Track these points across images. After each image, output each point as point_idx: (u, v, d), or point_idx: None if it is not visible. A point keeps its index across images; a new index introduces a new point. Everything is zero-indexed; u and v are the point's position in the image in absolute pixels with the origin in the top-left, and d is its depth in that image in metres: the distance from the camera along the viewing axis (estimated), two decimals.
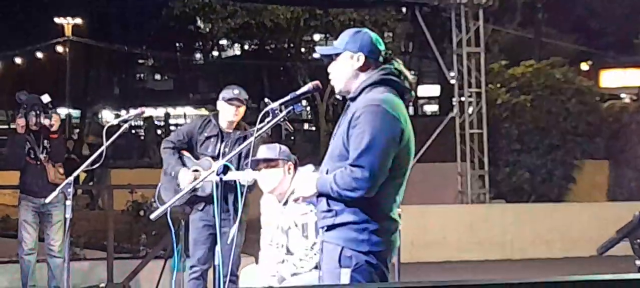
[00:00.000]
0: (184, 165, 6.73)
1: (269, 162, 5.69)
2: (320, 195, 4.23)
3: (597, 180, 16.64)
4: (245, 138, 6.57)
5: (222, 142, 6.70)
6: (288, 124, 4.54)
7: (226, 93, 6.81)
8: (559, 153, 15.52)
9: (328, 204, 4.21)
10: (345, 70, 4.29)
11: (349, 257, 4.14)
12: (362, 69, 4.28)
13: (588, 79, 17.76)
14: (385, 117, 4.09)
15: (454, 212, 13.60)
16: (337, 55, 4.31)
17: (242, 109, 6.79)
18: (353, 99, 4.29)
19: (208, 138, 6.74)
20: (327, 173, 4.23)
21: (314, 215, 4.79)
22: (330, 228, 4.21)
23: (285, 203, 5.68)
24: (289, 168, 5.70)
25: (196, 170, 6.61)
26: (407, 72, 4.37)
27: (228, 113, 6.75)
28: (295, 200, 4.67)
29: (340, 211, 4.17)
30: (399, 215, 4.37)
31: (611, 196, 16.65)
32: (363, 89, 4.24)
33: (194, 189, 5.77)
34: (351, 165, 4.08)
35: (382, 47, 4.35)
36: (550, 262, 12.41)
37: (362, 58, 4.27)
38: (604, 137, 16.13)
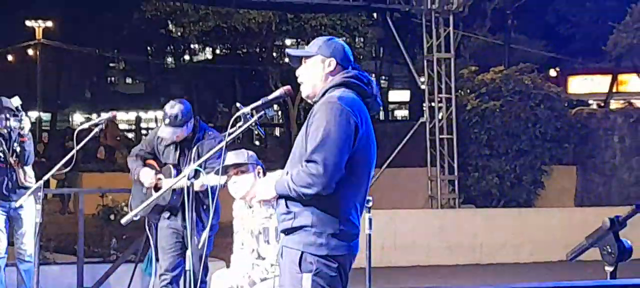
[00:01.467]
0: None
1: (239, 168, 5.70)
2: (279, 196, 4.19)
3: (565, 185, 16.81)
4: (199, 141, 6.53)
5: (179, 149, 6.65)
6: (259, 128, 4.56)
7: (165, 110, 6.58)
8: (527, 158, 15.66)
9: (287, 206, 4.15)
10: (315, 74, 4.29)
11: (309, 262, 4.09)
12: (332, 74, 4.28)
13: (556, 85, 17.93)
14: (340, 112, 4.05)
15: (424, 216, 13.67)
16: (308, 57, 4.32)
17: (180, 132, 6.53)
18: (317, 102, 4.26)
19: (167, 146, 6.70)
20: (287, 174, 4.19)
21: (275, 220, 4.82)
22: (289, 231, 4.16)
23: (251, 207, 5.71)
24: (259, 172, 5.72)
25: (159, 178, 6.59)
26: (373, 82, 4.38)
27: (164, 132, 6.56)
28: (258, 202, 4.67)
29: (298, 213, 4.11)
30: (370, 222, 4.36)
31: (579, 201, 16.82)
32: (325, 91, 4.24)
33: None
34: (306, 160, 4.04)
35: (352, 59, 4.38)
36: (519, 267, 12.51)
37: (333, 63, 4.28)
38: (572, 142, 16.29)
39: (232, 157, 5.64)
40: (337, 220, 4.12)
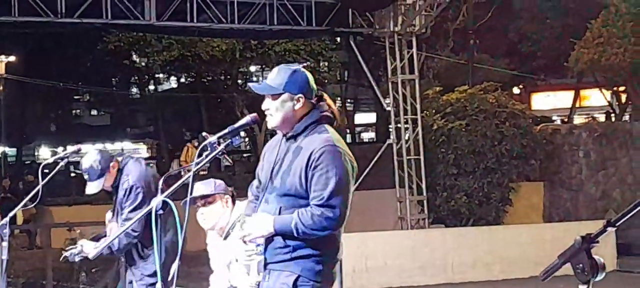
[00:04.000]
0: None
1: (206, 198, 5.66)
2: (276, 234, 4.27)
3: (533, 201, 16.94)
4: (119, 184, 6.32)
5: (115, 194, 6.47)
6: (227, 157, 4.54)
7: (80, 166, 6.38)
8: (495, 176, 15.75)
9: (284, 240, 4.26)
10: (284, 111, 4.33)
11: (304, 285, 4.24)
12: (301, 109, 4.34)
13: (520, 102, 18.08)
14: (344, 158, 4.25)
15: (395, 237, 13.70)
16: (277, 95, 4.34)
17: (105, 182, 6.30)
18: (294, 137, 4.35)
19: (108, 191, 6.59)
20: (280, 211, 4.28)
21: (258, 255, 4.80)
22: (286, 261, 4.28)
23: (226, 237, 5.67)
24: (227, 202, 5.68)
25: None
26: (334, 107, 4.50)
27: (88, 189, 6.35)
28: (245, 242, 4.63)
29: (297, 246, 4.25)
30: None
31: (547, 217, 16.95)
32: (306, 127, 4.32)
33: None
34: (321, 205, 4.16)
35: (315, 86, 4.43)
36: (490, 284, 12.57)
37: (302, 100, 4.33)
38: (538, 158, 16.41)
39: (200, 188, 5.60)
40: (333, 250, 4.35)
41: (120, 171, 6.37)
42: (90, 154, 6.38)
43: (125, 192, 6.24)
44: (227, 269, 5.67)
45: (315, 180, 4.18)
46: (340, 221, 4.19)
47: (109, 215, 6.57)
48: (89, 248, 6.17)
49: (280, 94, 4.32)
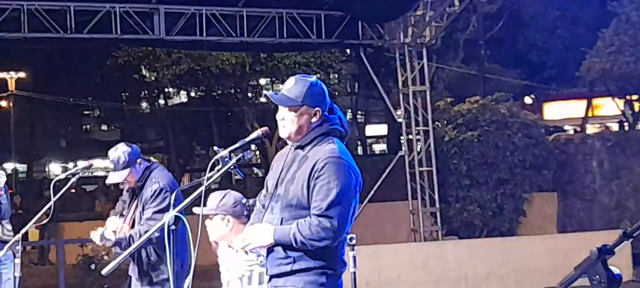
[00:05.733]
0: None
1: (207, 216, 5.60)
2: (276, 244, 4.24)
3: (546, 212, 16.84)
4: (143, 187, 6.39)
5: (131, 198, 6.52)
6: (238, 171, 4.50)
7: (108, 154, 6.46)
8: (508, 187, 15.67)
9: (285, 251, 4.23)
10: (301, 123, 4.30)
11: None
12: (317, 122, 4.32)
13: (532, 113, 18.02)
14: (348, 170, 4.21)
15: (408, 250, 13.63)
16: (295, 107, 4.31)
17: (127, 175, 6.38)
18: (301, 147, 4.33)
19: (127, 190, 6.60)
20: (282, 221, 4.24)
21: (259, 266, 4.74)
22: (287, 274, 4.25)
23: (237, 250, 5.62)
24: (227, 221, 5.59)
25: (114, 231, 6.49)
26: (345, 119, 4.49)
27: (110, 178, 6.44)
28: (246, 252, 4.59)
29: (298, 257, 4.21)
30: (354, 260, 4.42)
31: (561, 227, 16.84)
32: (313, 139, 4.30)
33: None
34: (319, 215, 4.13)
35: (329, 99, 4.43)
36: None
37: (319, 113, 4.32)
38: (551, 169, 16.33)
39: (211, 201, 5.54)
40: (336, 262, 4.29)
41: (146, 172, 6.41)
42: (119, 146, 6.44)
43: (154, 192, 6.27)
44: (240, 282, 5.62)
45: (317, 191, 4.17)
46: (337, 233, 4.15)
47: (112, 219, 6.51)
48: (110, 233, 6.23)
49: (299, 107, 4.29)
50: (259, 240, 4.33)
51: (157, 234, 5.68)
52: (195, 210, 5.20)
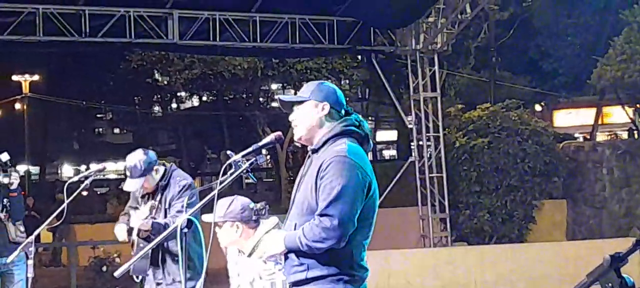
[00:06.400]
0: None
1: (216, 223, 5.64)
2: (289, 251, 4.22)
3: (556, 219, 16.84)
4: (166, 188, 6.48)
5: (150, 199, 6.59)
6: (251, 175, 4.55)
7: (126, 162, 6.54)
8: (518, 193, 15.69)
9: (298, 258, 4.19)
10: (309, 118, 4.30)
11: None
12: (327, 118, 4.31)
13: (542, 120, 18.02)
14: (352, 168, 4.11)
15: (417, 255, 13.65)
16: (301, 102, 4.33)
17: (144, 182, 6.46)
18: (315, 151, 4.30)
19: (142, 197, 6.67)
20: (294, 227, 4.22)
21: (281, 274, 4.77)
22: (302, 283, 4.20)
23: (250, 254, 5.67)
24: (237, 227, 5.64)
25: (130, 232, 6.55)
26: (366, 124, 4.43)
27: (127, 186, 6.51)
28: (265, 261, 4.60)
29: (312, 264, 4.16)
30: None
31: (570, 234, 16.84)
32: (326, 141, 4.26)
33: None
34: (320, 215, 4.07)
35: (344, 101, 4.41)
36: None
37: (327, 107, 4.30)
38: (561, 176, 16.33)
39: (219, 208, 5.56)
40: (351, 266, 4.19)
41: (167, 172, 6.51)
42: (136, 152, 6.54)
43: (182, 187, 6.39)
44: (250, 286, 5.67)
45: (321, 191, 4.11)
46: (340, 231, 4.02)
47: (120, 227, 6.57)
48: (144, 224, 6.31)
49: (304, 101, 4.32)
50: (272, 248, 4.34)
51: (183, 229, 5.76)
52: (204, 217, 5.26)
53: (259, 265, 5.42)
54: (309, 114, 4.31)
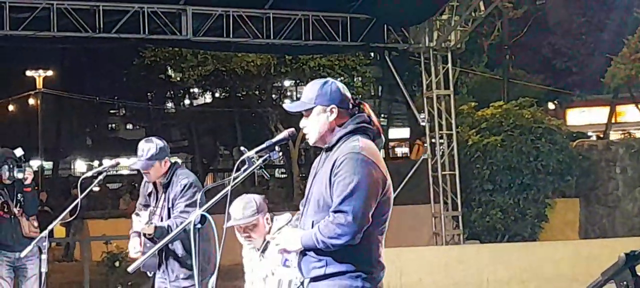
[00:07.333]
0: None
1: (252, 223, 5.63)
2: (306, 249, 4.24)
3: (569, 217, 16.79)
4: (169, 184, 6.49)
5: (156, 195, 6.61)
6: (264, 171, 4.56)
7: (139, 144, 6.54)
8: (530, 192, 15.64)
9: (317, 254, 4.21)
10: (319, 124, 4.32)
11: None
12: (336, 120, 4.32)
13: (555, 118, 17.97)
14: (366, 164, 4.14)
15: (429, 253, 13.63)
16: (309, 110, 4.33)
17: (152, 167, 6.45)
18: (330, 149, 4.32)
19: (149, 194, 6.69)
20: (312, 225, 4.24)
21: (288, 272, 4.78)
22: (321, 278, 4.22)
23: (264, 250, 5.67)
24: (267, 218, 5.64)
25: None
26: (375, 118, 4.45)
27: (137, 164, 6.51)
28: (280, 252, 4.60)
29: (330, 261, 4.19)
30: None
31: (583, 233, 16.79)
32: (340, 138, 4.28)
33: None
34: (334, 211, 4.10)
35: (349, 94, 4.41)
36: None
37: (335, 110, 4.31)
38: (574, 175, 16.28)
39: (238, 210, 5.54)
40: (369, 263, 4.23)
41: (171, 169, 6.50)
42: (153, 138, 6.56)
43: (184, 187, 6.37)
44: (263, 282, 5.68)
45: (335, 187, 4.14)
46: (354, 227, 4.06)
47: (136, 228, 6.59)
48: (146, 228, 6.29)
49: (312, 109, 4.32)
50: (289, 245, 4.34)
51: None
52: (226, 225, 5.27)
53: (274, 261, 5.43)
54: (318, 120, 4.32)
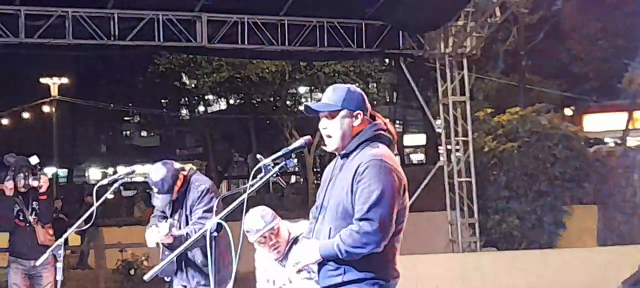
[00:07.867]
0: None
1: (274, 228, 5.60)
2: (325, 259, 4.21)
3: (586, 225, 16.67)
4: (186, 193, 6.46)
5: (172, 204, 6.57)
6: (280, 179, 4.52)
7: (150, 178, 6.47)
8: (547, 199, 15.54)
9: (335, 262, 4.19)
10: (343, 129, 4.29)
11: None
12: (359, 126, 4.30)
13: (572, 124, 17.86)
14: (389, 171, 4.14)
15: (446, 261, 13.57)
16: (335, 112, 4.30)
17: (173, 196, 6.46)
18: (346, 155, 4.30)
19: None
20: (329, 232, 4.21)
21: (314, 283, 4.75)
22: (338, 286, 4.20)
23: (283, 259, 5.63)
24: (272, 233, 5.61)
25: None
26: (391, 126, 4.45)
27: (157, 202, 6.51)
28: (298, 272, 4.56)
29: (348, 268, 4.17)
30: None
31: (601, 240, 16.66)
32: (358, 145, 4.26)
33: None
34: (359, 219, 4.08)
35: (368, 105, 4.40)
36: None
37: (361, 116, 4.30)
38: (592, 181, 16.16)
39: (256, 220, 5.51)
40: (387, 271, 4.22)
41: (186, 180, 6.47)
42: (159, 168, 6.45)
43: (201, 193, 6.37)
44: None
45: (358, 195, 4.12)
46: (380, 235, 4.07)
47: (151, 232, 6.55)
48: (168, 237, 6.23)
49: (339, 111, 4.28)
50: (306, 258, 4.30)
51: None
52: (252, 239, 5.25)
53: (291, 271, 5.38)
54: (343, 123, 4.30)
